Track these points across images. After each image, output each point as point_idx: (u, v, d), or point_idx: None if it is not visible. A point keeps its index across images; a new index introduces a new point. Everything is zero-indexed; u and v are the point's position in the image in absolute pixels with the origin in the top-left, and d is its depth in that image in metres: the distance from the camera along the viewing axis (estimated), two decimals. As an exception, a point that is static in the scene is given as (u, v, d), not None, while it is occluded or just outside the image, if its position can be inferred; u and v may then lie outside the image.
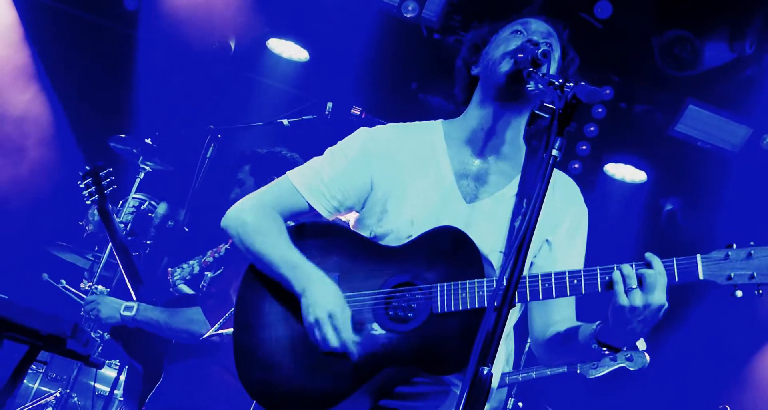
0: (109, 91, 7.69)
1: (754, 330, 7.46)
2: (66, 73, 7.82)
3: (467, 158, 2.84)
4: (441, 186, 2.80)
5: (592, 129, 7.30)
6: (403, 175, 2.82)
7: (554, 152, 2.20)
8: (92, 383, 6.23)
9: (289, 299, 2.70)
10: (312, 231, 2.80)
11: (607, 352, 2.52)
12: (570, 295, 2.45)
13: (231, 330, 4.52)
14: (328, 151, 2.92)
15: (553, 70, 2.78)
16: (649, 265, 2.35)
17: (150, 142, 6.65)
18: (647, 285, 2.33)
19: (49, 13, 7.73)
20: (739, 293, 2.30)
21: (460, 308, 2.50)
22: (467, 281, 2.52)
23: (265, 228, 2.79)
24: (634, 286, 2.33)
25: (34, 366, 6.10)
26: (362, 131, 2.94)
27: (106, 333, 5.76)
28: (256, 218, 2.82)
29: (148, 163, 6.76)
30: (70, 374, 6.13)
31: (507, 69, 2.70)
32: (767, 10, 6.00)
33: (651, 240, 7.70)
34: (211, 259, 5.28)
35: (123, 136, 6.71)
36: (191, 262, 5.40)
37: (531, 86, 2.63)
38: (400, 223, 2.75)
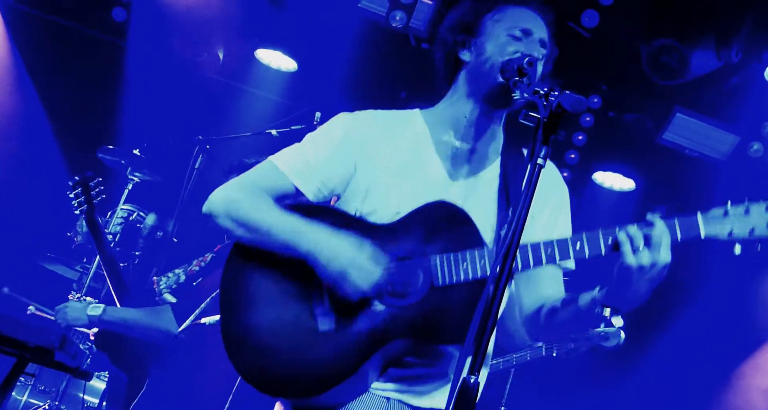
0: (97, 101, 7.67)
1: (744, 337, 7.47)
2: (53, 84, 7.79)
3: (450, 139, 2.87)
4: (425, 165, 2.82)
5: (580, 137, 7.32)
6: (387, 156, 2.82)
7: (539, 161, 2.21)
8: (81, 395, 6.19)
9: (281, 277, 2.67)
10: (301, 212, 2.74)
11: (609, 316, 2.51)
12: (574, 258, 2.48)
13: (212, 318, 4.53)
14: (310, 136, 2.91)
15: (539, 71, 2.79)
16: (651, 225, 2.39)
17: (138, 153, 6.64)
18: (653, 243, 2.36)
19: (36, 24, 7.70)
20: (737, 248, 2.35)
21: (462, 279, 2.51)
22: (467, 251, 2.53)
23: (259, 202, 2.74)
24: (640, 245, 2.36)
25: (22, 379, 6.06)
26: (343, 116, 2.93)
27: (95, 346, 5.74)
28: (246, 195, 2.77)
29: (137, 173, 6.75)
30: (58, 386, 6.09)
31: (503, 82, 2.72)
32: (752, 19, 6.03)
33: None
34: (197, 268, 5.27)
35: (111, 147, 6.70)
36: (177, 271, 5.39)
37: (516, 95, 2.64)
38: (385, 201, 2.74)
